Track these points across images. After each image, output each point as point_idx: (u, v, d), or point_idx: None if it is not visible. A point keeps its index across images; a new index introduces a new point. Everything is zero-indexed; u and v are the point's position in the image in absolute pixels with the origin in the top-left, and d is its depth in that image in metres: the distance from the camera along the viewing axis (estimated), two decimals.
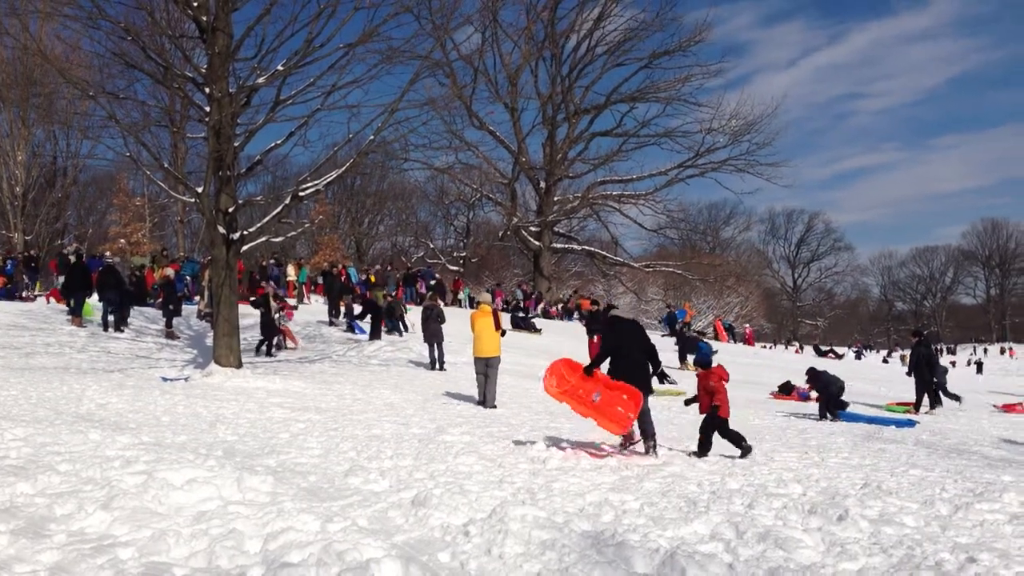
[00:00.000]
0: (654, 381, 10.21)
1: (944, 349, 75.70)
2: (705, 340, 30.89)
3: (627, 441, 9.91)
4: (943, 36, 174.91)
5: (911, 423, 15.70)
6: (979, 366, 55.73)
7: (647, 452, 9.60)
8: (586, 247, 56.36)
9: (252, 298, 21.63)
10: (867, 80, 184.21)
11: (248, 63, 16.03)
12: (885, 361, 59.38)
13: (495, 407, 14.44)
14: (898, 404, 19.75)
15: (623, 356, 9.92)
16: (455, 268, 56.76)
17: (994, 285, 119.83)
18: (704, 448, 9.73)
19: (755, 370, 30.14)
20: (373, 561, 4.74)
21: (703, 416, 9.90)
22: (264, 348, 19.91)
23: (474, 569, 5.05)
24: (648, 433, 9.70)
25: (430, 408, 13.53)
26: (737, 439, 9.70)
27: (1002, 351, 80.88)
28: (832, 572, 5.14)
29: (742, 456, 9.51)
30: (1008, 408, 20.69)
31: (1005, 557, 5.39)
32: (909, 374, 20.51)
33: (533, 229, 51.72)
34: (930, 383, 19.73)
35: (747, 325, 54.61)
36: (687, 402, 10.52)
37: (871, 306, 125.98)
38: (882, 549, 5.60)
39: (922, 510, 6.80)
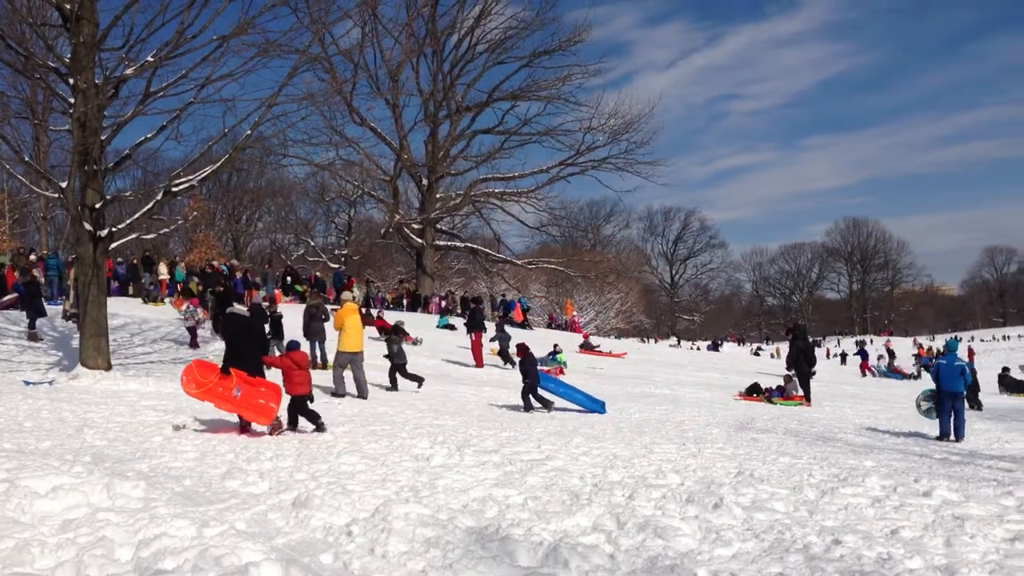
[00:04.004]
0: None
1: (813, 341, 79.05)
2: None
3: (275, 429, 10.55)
4: (813, 41, 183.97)
5: (602, 409, 15.69)
6: (843, 357, 58.62)
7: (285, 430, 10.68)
8: (469, 244, 56.40)
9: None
10: (743, 82, 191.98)
11: (116, 53, 15.37)
12: (756, 354, 61.73)
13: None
14: (786, 400, 20.15)
15: (238, 348, 10.89)
16: (336, 266, 55.88)
17: (856, 280, 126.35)
18: (293, 423, 10.81)
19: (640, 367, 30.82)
20: (252, 565, 4.64)
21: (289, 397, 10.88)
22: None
23: (357, 569, 5.01)
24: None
25: (311, 407, 13.29)
26: (308, 417, 10.78)
27: (860, 343, 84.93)
28: (708, 558, 5.32)
29: (316, 431, 10.59)
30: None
31: (868, 538, 5.69)
32: (790, 368, 21.28)
33: (415, 226, 51.45)
34: (808, 375, 20.53)
35: (575, 313, 55.23)
36: None
37: (744, 301, 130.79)
38: (755, 534, 5.84)
39: (791, 496, 7.11)
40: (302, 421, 10.92)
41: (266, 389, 10.52)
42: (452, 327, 34.30)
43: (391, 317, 29.90)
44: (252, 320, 11.58)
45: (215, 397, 10.28)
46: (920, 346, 51.60)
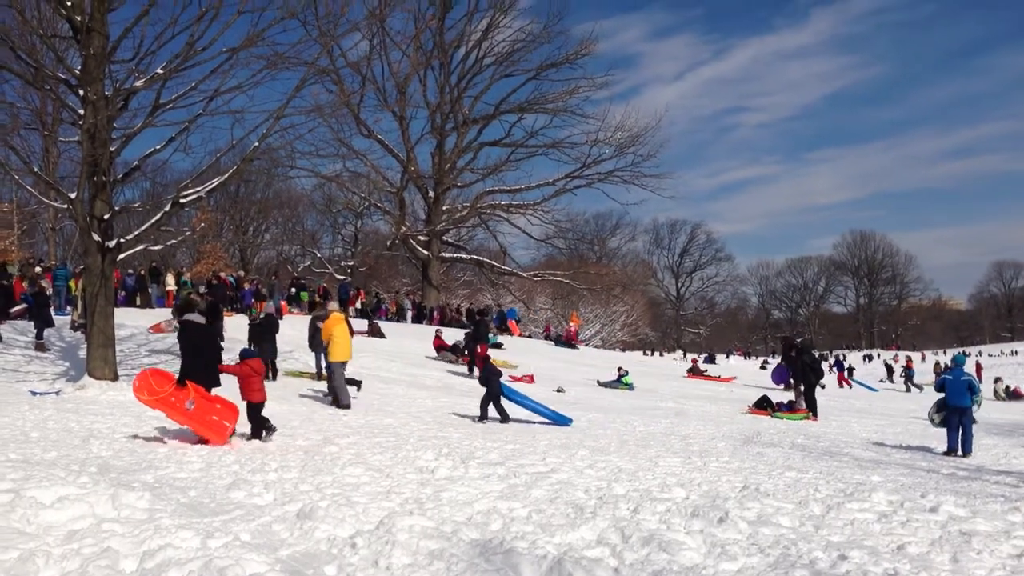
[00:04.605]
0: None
1: (819, 356, 78.84)
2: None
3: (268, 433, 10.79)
4: (820, 54, 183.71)
5: (568, 421, 15.47)
6: (850, 371, 58.46)
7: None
8: (475, 256, 56.53)
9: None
10: (750, 94, 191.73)
11: (125, 65, 15.48)
12: (763, 367, 61.51)
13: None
14: (790, 413, 19.99)
15: (194, 356, 10.96)
16: (342, 277, 56.00)
17: (863, 294, 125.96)
18: (257, 432, 10.71)
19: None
20: None
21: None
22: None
23: None
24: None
25: (316, 419, 13.32)
26: (261, 423, 10.77)
27: (868, 358, 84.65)
28: (713, 573, 5.30)
29: (265, 437, 10.64)
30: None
31: (874, 554, 5.67)
32: (797, 383, 21.14)
33: (422, 238, 51.57)
34: (813, 387, 20.40)
35: (571, 325, 55.02)
36: None
37: (750, 314, 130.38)
38: (760, 549, 5.81)
39: (797, 510, 7.09)
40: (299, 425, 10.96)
41: (222, 407, 10.51)
42: (499, 345, 32.79)
43: (386, 327, 29.86)
44: (205, 328, 11.62)
45: (167, 407, 10.11)
46: (909, 359, 51.54)
